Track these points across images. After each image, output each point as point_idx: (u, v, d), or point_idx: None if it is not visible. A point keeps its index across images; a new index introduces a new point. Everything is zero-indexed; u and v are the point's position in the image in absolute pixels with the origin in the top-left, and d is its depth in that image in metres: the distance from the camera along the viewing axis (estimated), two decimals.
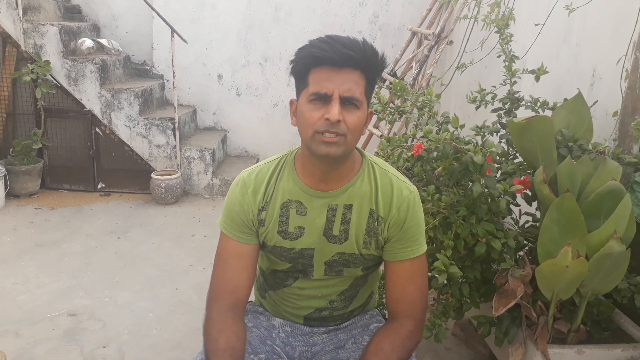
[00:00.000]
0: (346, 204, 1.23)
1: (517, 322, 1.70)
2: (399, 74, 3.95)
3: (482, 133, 1.93)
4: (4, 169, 3.73)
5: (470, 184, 1.65)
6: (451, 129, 1.74)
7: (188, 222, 3.68)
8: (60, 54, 3.88)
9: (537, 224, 1.81)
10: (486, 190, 1.63)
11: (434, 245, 1.77)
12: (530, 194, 1.79)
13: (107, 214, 3.73)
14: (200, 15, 4.48)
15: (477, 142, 1.70)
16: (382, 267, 1.34)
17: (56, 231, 3.38)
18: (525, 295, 1.60)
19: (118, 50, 4.36)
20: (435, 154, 1.70)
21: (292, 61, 1.16)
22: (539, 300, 1.65)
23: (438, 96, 2.20)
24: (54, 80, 3.91)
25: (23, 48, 3.84)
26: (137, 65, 4.64)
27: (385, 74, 3.78)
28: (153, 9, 3.99)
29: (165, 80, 4.59)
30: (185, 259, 3.10)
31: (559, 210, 1.51)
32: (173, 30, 3.85)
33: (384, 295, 1.53)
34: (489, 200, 1.70)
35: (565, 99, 1.94)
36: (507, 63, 2.06)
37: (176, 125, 4.05)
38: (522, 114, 1.89)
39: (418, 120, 2.07)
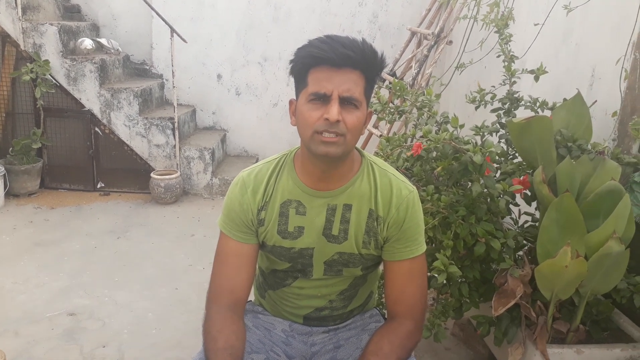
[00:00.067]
0: (345, 203, 1.23)
1: (517, 322, 1.70)
2: (398, 73, 3.95)
3: (481, 133, 1.93)
4: (3, 169, 3.73)
5: (470, 183, 1.65)
6: (450, 129, 1.74)
7: (187, 221, 3.68)
8: (60, 54, 3.88)
9: (537, 224, 1.81)
10: (485, 190, 1.63)
11: (434, 245, 1.77)
12: (529, 193, 1.79)
13: (107, 214, 3.73)
14: (200, 14, 4.48)
15: (476, 142, 1.70)
16: (381, 267, 1.34)
17: (55, 231, 3.38)
18: (525, 295, 1.60)
19: (117, 49, 4.36)
20: (434, 153, 1.70)
21: (291, 61, 1.16)
22: (538, 300, 1.65)
23: (437, 96, 2.20)
24: (54, 80, 3.91)
25: (22, 47, 3.84)
26: (136, 64, 4.64)
27: (384, 74, 3.78)
28: (152, 9, 3.99)
29: (164, 80, 4.59)
30: (185, 258, 3.10)
31: (558, 210, 1.51)
32: (172, 30, 3.85)
33: (383, 295, 1.53)
34: (489, 200, 1.70)
35: (565, 99, 1.94)
36: (506, 63, 2.06)
37: (176, 124, 4.05)
38: (522, 114, 1.89)
39: (417, 120, 2.07)
